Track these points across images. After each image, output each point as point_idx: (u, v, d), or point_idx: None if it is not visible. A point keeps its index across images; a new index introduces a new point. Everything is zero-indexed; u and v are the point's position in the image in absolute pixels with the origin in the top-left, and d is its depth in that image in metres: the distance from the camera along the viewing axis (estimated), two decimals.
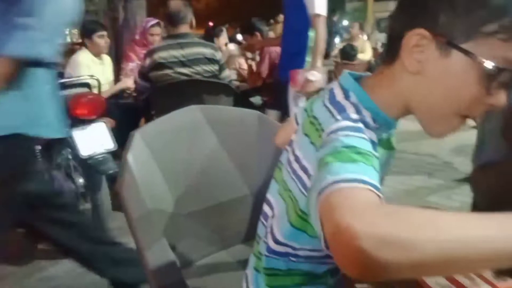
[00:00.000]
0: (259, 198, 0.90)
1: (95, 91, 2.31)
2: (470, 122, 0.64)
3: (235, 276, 0.94)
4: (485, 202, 0.90)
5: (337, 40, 8.88)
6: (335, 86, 0.61)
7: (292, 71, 2.31)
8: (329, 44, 7.13)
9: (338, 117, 0.54)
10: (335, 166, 0.46)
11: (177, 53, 2.33)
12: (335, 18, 9.46)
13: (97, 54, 2.85)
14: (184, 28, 2.35)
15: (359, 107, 0.56)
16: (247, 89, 3.11)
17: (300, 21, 2.20)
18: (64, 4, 1.16)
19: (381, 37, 5.55)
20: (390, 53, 0.58)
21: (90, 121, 1.98)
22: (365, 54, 4.97)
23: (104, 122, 2.03)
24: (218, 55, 2.45)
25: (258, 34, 3.23)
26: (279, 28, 4.21)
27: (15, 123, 1.17)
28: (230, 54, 3.96)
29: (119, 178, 0.88)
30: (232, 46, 4.30)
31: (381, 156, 0.57)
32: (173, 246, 1.02)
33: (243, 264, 0.81)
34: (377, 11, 14.10)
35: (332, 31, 7.80)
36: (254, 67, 3.53)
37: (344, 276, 0.65)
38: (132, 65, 3.09)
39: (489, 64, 0.50)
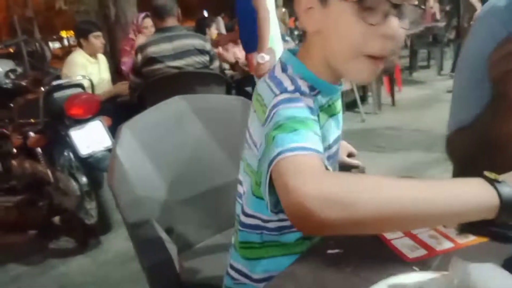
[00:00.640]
0: None
1: (89, 91, 2.35)
2: None
3: None
4: (461, 167, 0.91)
5: None
6: (276, 63, 0.66)
7: (248, 56, 2.40)
8: None
9: (277, 91, 0.59)
10: (279, 138, 0.51)
11: (167, 46, 2.36)
12: None
13: (92, 54, 2.89)
14: (171, 21, 2.37)
15: (294, 78, 0.60)
16: (240, 78, 3.12)
17: (246, 9, 2.25)
18: None
19: None
20: None
21: (87, 121, 2.03)
22: None
23: (100, 120, 2.07)
24: (208, 46, 2.47)
25: None
26: None
27: None
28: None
29: (109, 170, 0.92)
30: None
31: (324, 121, 0.64)
32: (169, 233, 1.07)
33: None
34: None
35: None
36: (239, 56, 3.52)
37: (316, 244, 0.69)
38: (129, 59, 3.13)
39: None
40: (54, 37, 24.28)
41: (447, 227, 0.65)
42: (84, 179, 2.17)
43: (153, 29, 3.04)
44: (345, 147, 1.01)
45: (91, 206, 2.24)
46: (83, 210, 2.27)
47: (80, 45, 2.88)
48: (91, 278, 1.93)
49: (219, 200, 1.19)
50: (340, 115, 0.72)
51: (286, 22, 7.02)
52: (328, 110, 0.68)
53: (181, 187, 1.09)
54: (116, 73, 3.28)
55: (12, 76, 3.51)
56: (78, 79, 2.31)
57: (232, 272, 0.76)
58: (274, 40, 2.24)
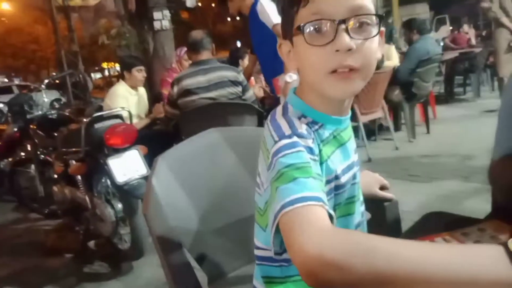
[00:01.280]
0: None
1: (128, 121, 2.46)
2: None
3: None
4: (502, 196, 0.89)
5: None
6: (281, 103, 0.71)
7: (273, 80, 2.46)
8: None
9: (276, 137, 0.62)
10: (281, 190, 0.55)
11: (202, 78, 2.45)
12: None
13: (133, 86, 3.06)
14: (206, 55, 2.48)
15: (292, 120, 0.64)
16: (271, 107, 3.16)
17: (264, 35, 2.38)
18: None
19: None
20: None
21: (124, 150, 2.11)
22: (392, 61, 4.90)
23: (137, 149, 2.15)
24: (241, 77, 2.55)
25: None
26: None
27: None
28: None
29: (144, 200, 0.96)
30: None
31: (329, 153, 0.66)
32: (200, 261, 1.08)
33: None
34: (405, 15, 13.87)
35: None
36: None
37: None
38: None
39: (298, 26, 0.62)
40: (96, 68, 25.72)
41: None
42: (119, 206, 2.24)
43: None
44: (378, 179, 1.01)
45: (125, 231, 2.30)
46: (117, 235, 2.34)
47: (123, 77, 3.06)
48: None
49: (250, 230, 1.20)
50: (349, 144, 0.73)
51: None
52: (333, 142, 0.69)
53: (213, 217, 1.11)
54: (153, 104, 3.43)
55: (56, 105, 3.73)
56: (117, 110, 2.43)
57: None
58: None
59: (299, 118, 0.65)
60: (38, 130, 2.82)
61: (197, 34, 2.49)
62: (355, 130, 4.02)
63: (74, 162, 2.33)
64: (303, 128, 0.63)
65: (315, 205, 0.52)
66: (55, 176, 2.69)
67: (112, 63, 23.39)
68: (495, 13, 4.27)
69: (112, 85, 3.19)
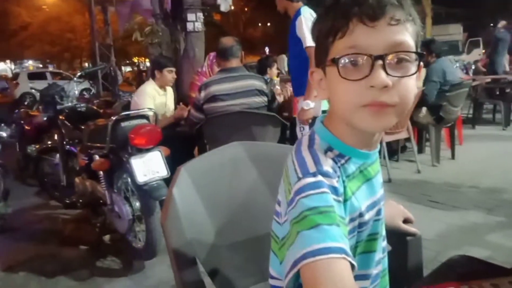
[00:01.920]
0: None
1: (153, 122, 2.49)
2: None
3: None
4: None
5: None
6: (309, 132, 0.70)
7: (294, 98, 2.45)
8: None
9: (300, 174, 0.61)
10: (302, 236, 0.54)
11: (230, 86, 2.47)
12: None
13: (162, 86, 3.11)
14: (235, 62, 2.49)
15: (317, 155, 0.63)
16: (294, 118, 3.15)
17: (299, 49, 2.35)
18: None
19: None
20: None
21: (147, 150, 2.15)
22: (421, 81, 4.80)
23: (160, 151, 2.18)
24: (267, 88, 2.55)
25: None
26: None
27: None
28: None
29: (163, 210, 0.96)
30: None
31: (354, 189, 0.65)
32: (213, 275, 1.08)
33: None
34: (437, 34, 13.62)
35: None
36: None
37: None
38: None
39: (332, 58, 0.61)
40: (127, 61, 26.31)
41: None
42: (137, 205, 2.28)
43: None
44: (402, 212, 0.98)
45: (140, 230, 2.33)
46: (133, 233, 2.37)
47: (153, 76, 3.12)
48: None
49: (265, 248, 1.19)
50: (376, 179, 0.72)
51: None
52: (360, 177, 0.68)
53: (230, 231, 1.11)
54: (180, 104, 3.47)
55: (86, 94, 3.83)
56: (144, 110, 2.47)
57: None
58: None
59: (326, 152, 0.64)
60: (66, 121, 2.90)
61: (228, 41, 2.51)
62: None
63: (97, 157, 2.38)
64: (329, 165, 0.62)
65: (337, 257, 0.51)
66: (78, 168, 2.75)
67: (143, 58, 23.88)
68: None
69: (141, 79, 3.24)
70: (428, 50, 4.08)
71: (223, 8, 5.45)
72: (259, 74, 3.82)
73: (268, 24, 28.84)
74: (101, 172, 2.34)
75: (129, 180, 2.23)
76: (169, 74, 3.08)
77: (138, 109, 2.58)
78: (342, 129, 0.66)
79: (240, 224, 1.13)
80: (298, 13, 2.44)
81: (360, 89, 0.59)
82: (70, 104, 3.00)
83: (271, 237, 0.75)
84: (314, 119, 2.28)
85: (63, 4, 22.08)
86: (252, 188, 1.17)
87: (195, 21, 5.04)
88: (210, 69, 3.38)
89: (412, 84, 0.61)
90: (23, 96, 7.91)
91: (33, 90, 7.71)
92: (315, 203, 0.56)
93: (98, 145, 2.41)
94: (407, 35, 0.60)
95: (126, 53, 22.16)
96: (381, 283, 0.78)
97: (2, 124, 3.34)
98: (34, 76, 14.86)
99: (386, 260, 0.79)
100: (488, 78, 6.35)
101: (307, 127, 2.37)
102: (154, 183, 2.09)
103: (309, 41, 2.25)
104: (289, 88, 4.28)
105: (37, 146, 3.32)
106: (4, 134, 3.25)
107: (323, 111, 2.33)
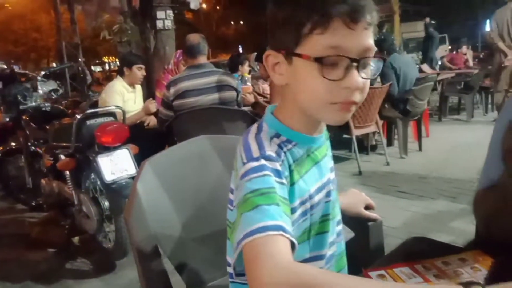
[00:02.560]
0: None
1: (120, 120, 2.45)
2: None
3: None
4: (484, 228, 0.90)
5: None
6: (259, 121, 0.71)
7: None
8: None
9: (244, 159, 0.62)
10: (244, 218, 0.55)
11: (199, 81, 2.46)
12: None
13: (131, 84, 3.06)
14: (202, 59, 2.49)
15: (262, 141, 0.64)
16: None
17: None
18: None
19: None
20: None
21: (115, 148, 2.11)
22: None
23: (128, 148, 2.15)
24: (235, 83, 2.56)
25: None
26: None
27: None
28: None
29: (127, 205, 0.95)
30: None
31: (302, 173, 0.67)
32: (180, 269, 1.08)
33: None
34: (405, 31, 13.99)
35: None
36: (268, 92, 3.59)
37: None
38: None
39: (312, 58, 0.60)
40: (97, 61, 25.63)
41: None
42: (106, 204, 2.24)
43: None
44: (364, 199, 1.01)
45: (110, 230, 2.29)
46: (102, 233, 2.33)
47: (121, 74, 3.06)
48: None
49: None
50: (324, 162, 0.74)
51: None
52: (308, 161, 0.70)
53: (197, 225, 1.11)
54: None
55: (54, 95, 3.73)
56: (111, 108, 2.43)
57: None
58: None
59: (272, 138, 0.65)
60: (31, 121, 2.81)
61: (194, 38, 2.50)
62: (348, 142, 4.09)
63: (63, 157, 2.32)
64: (272, 150, 0.63)
65: (275, 234, 0.52)
66: (44, 169, 2.68)
67: (113, 58, 23.36)
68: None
69: (111, 80, 3.18)
70: (380, 48, 4.18)
71: (193, 5, 5.41)
72: (231, 71, 3.82)
73: (241, 22, 28.82)
74: (67, 172, 2.28)
75: (97, 179, 2.18)
76: (139, 72, 3.04)
77: (105, 107, 2.53)
78: (292, 117, 0.67)
79: (206, 218, 1.13)
80: None
81: (335, 89, 0.61)
82: (34, 104, 2.91)
83: (227, 226, 0.75)
84: None
85: (27, 2, 21.28)
86: (218, 181, 1.17)
87: (164, 19, 4.98)
88: (176, 66, 3.35)
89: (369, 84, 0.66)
90: None
91: None
92: (257, 186, 0.57)
93: (64, 144, 2.35)
94: (372, 39, 0.63)
95: (96, 53, 21.60)
96: (338, 264, 0.80)
97: None
98: None
99: (342, 243, 0.82)
100: (453, 73, 6.60)
101: None
102: (122, 181, 2.06)
103: None
104: (261, 85, 4.31)
105: (0, 148, 3.20)
106: None
107: None
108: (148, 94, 3.69)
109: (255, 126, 0.69)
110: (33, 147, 2.79)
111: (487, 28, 4.54)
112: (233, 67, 4.26)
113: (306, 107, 0.65)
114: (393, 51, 4.25)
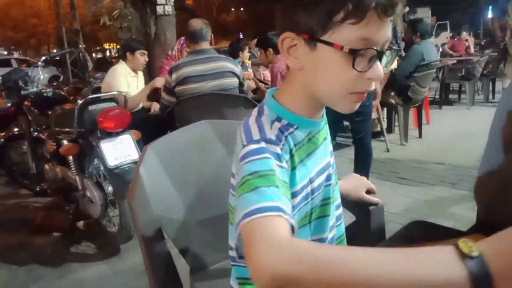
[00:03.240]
0: None
1: (122, 105, 2.46)
2: None
3: None
4: (485, 214, 0.91)
5: None
6: (259, 105, 0.70)
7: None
8: None
9: (244, 141, 0.62)
10: (243, 199, 0.55)
11: (201, 67, 2.45)
12: None
13: (134, 69, 3.06)
14: (205, 45, 2.48)
15: (263, 125, 0.64)
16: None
17: None
18: None
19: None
20: None
21: (117, 134, 2.12)
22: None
23: (130, 134, 2.16)
24: (238, 69, 2.55)
25: (271, 49, 3.12)
26: None
27: None
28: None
29: (130, 189, 0.97)
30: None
31: (303, 157, 0.68)
32: (184, 252, 1.10)
33: None
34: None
35: None
36: (269, 78, 3.58)
37: None
38: None
39: (346, 48, 0.58)
40: (97, 47, 25.48)
41: None
42: (110, 189, 2.26)
43: None
44: (365, 183, 1.02)
45: (114, 214, 2.32)
46: (106, 218, 2.36)
47: (124, 59, 3.06)
48: (107, 285, 1.98)
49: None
50: (325, 145, 0.75)
51: None
52: (309, 145, 0.70)
53: (199, 208, 1.12)
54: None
55: (55, 82, 3.71)
56: (112, 93, 2.43)
57: None
58: None
59: (273, 122, 0.65)
60: (32, 107, 2.81)
61: (197, 23, 2.48)
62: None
63: (66, 142, 2.33)
64: (273, 133, 0.63)
65: (273, 215, 0.51)
66: (48, 154, 2.69)
67: (114, 44, 23.20)
68: None
69: (112, 66, 3.19)
70: (413, 30, 4.10)
71: None
72: (231, 57, 3.80)
73: (241, 9, 28.48)
74: (70, 158, 2.30)
75: (100, 164, 2.20)
76: (141, 57, 3.03)
77: (109, 92, 2.54)
78: (295, 101, 0.67)
79: (209, 201, 1.14)
80: None
81: (360, 79, 0.61)
82: (35, 89, 2.91)
83: (229, 211, 0.77)
84: None
85: None
86: (220, 165, 1.18)
87: (165, 4, 4.93)
88: (179, 53, 3.34)
89: None
90: None
91: None
92: (256, 168, 0.57)
93: (66, 129, 2.36)
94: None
95: (96, 39, 21.46)
96: None
97: None
98: None
99: (342, 227, 0.83)
100: (454, 60, 6.54)
101: None
102: (125, 166, 2.07)
103: None
104: (262, 72, 4.30)
105: (2, 134, 3.21)
106: None
107: None
108: (150, 80, 3.68)
109: (256, 109, 0.69)
110: (35, 133, 2.81)
111: (489, 15, 4.43)
112: (233, 53, 4.23)
113: (321, 93, 0.65)
114: (428, 35, 4.13)
